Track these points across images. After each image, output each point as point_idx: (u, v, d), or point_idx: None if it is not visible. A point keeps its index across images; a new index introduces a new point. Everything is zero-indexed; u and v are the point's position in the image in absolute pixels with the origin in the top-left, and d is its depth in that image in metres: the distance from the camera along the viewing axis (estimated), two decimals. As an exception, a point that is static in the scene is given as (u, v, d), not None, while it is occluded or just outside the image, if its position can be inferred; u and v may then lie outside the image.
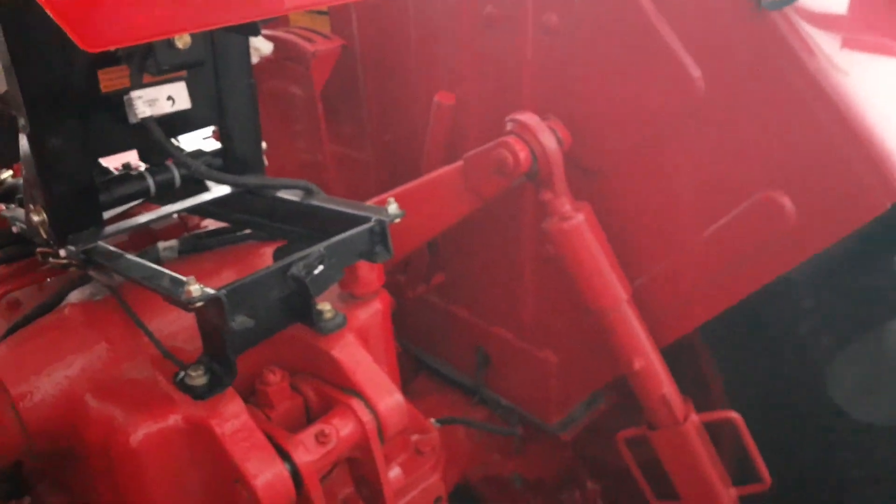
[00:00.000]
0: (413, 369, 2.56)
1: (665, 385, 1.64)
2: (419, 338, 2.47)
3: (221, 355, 1.24)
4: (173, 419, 1.21)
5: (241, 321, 1.02)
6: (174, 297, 1.02)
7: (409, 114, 2.03)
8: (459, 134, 1.71)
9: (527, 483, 2.69)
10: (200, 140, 2.02)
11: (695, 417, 1.69)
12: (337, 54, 2.05)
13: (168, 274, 1.09)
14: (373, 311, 1.50)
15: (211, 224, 1.69)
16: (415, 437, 1.72)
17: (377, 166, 2.33)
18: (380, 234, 1.21)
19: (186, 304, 0.98)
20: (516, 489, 2.78)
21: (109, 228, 1.33)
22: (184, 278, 1.05)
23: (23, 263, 1.59)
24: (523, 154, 1.46)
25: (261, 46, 2.03)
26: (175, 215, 1.71)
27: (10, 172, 2.01)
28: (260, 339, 1.33)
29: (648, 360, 1.62)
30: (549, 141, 1.47)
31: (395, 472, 1.41)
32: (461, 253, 2.14)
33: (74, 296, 1.41)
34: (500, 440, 2.45)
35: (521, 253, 1.90)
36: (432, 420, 1.84)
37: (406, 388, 2.43)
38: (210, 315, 1.01)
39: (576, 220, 1.53)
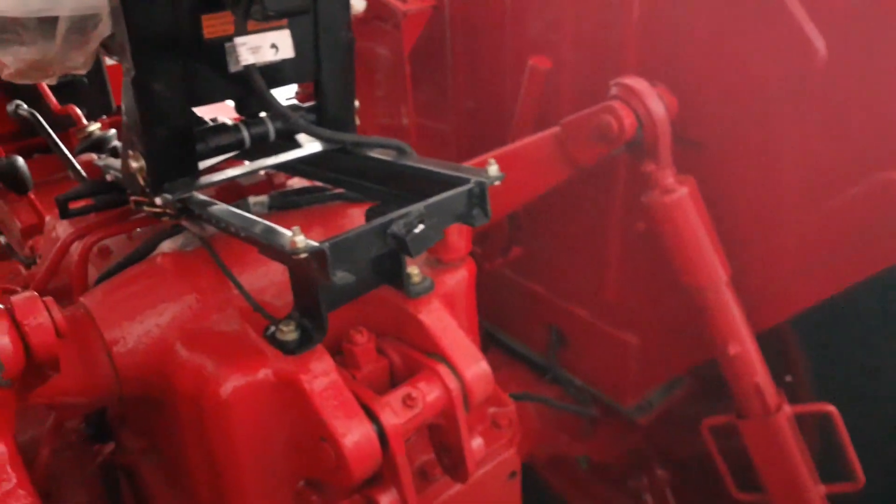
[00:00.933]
0: (483, 344, 2.53)
1: (759, 373, 1.56)
2: (491, 312, 2.42)
3: (313, 311, 1.22)
4: (263, 373, 1.20)
5: (341, 276, 1.00)
6: (277, 247, 1.00)
7: (496, 80, 1.97)
8: (553, 100, 1.65)
9: (593, 466, 2.64)
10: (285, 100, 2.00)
11: (787, 408, 1.61)
12: (428, 15, 2.01)
13: (266, 224, 1.07)
14: (459, 278, 1.46)
15: (297, 183, 1.68)
16: (492, 410, 1.68)
17: (457, 136, 2.29)
18: (479, 196, 1.17)
19: (290, 255, 0.96)
20: (582, 471, 2.74)
21: (203, 179, 1.32)
22: (285, 230, 1.02)
23: (115, 212, 1.61)
24: (628, 120, 1.39)
25: (355, 3, 1.99)
26: (262, 172, 1.70)
27: (98, 125, 2.04)
28: (350, 298, 1.32)
29: (744, 346, 1.54)
30: (657, 107, 1.40)
31: (477, 442, 1.37)
32: (542, 227, 2.08)
33: (166, 245, 1.41)
34: (568, 421, 2.40)
35: (608, 228, 1.83)
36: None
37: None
38: (311, 268, 0.99)
39: (679, 193, 1.46)
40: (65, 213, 1.54)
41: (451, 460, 1.36)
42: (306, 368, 1.20)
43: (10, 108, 1.88)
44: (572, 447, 2.44)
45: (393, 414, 1.21)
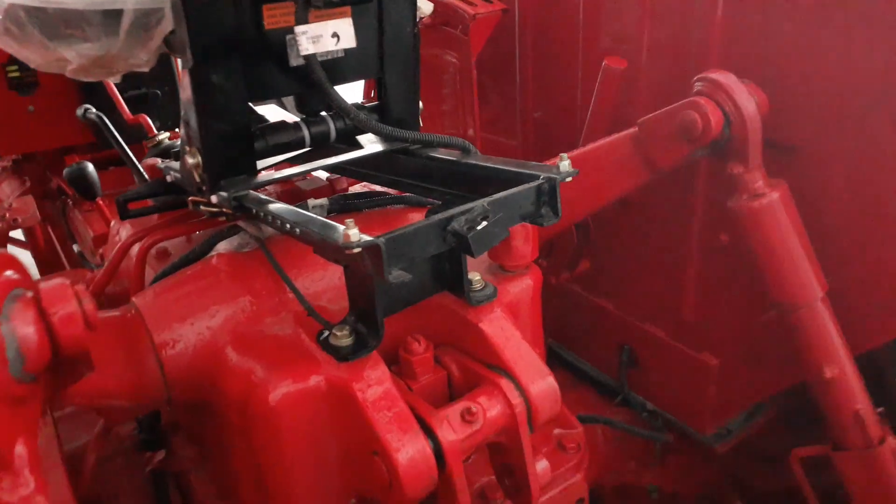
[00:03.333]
0: (548, 363, 2.41)
1: (860, 400, 1.40)
2: (557, 330, 2.31)
3: (369, 315, 1.15)
4: (315, 380, 1.13)
5: (397, 275, 0.92)
6: (330, 241, 0.93)
7: (568, 88, 1.88)
8: (629, 103, 1.55)
9: (664, 497, 2.48)
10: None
11: (892, 441, 1.44)
12: (497, 19, 1.94)
13: (321, 220, 1.01)
14: (524, 286, 1.37)
15: (360, 189, 1.62)
16: (557, 432, 1.57)
17: (525, 151, 2.20)
18: (549, 193, 1.07)
19: (343, 250, 0.89)
20: (651, 502, 2.57)
21: (260, 178, 1.27)
22: (339, 225, 0.96)
23: (174, 214, 1.58)
24: (715, 117, 1.27)
25: (422, 6, 1.95)
26: (325, 177, 1.65)
27: (168, 134, 2.05)
28: (408, 303, 1.24)
29: (843, 369, 1.38)
30: (747, 102, 1.28)
31: (542, 465, 1.27)
32: (614, 239, 1.96)
33: (222, 246, 1.37)
34: (638, 448, 2.25)
35: (687, 240, 1.71)
36: (574, 417, 1.68)
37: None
38: (365, 265, 0.91)
39: (769, 198, 1.33)
40: (124, 214, 1.52)
41: (514, 483, 1.26)
42: (360, 376, 1.12)
43: (80, 111, 1.90)
44: (641, 475, 2.29)
45: (451, 430, 1.12)
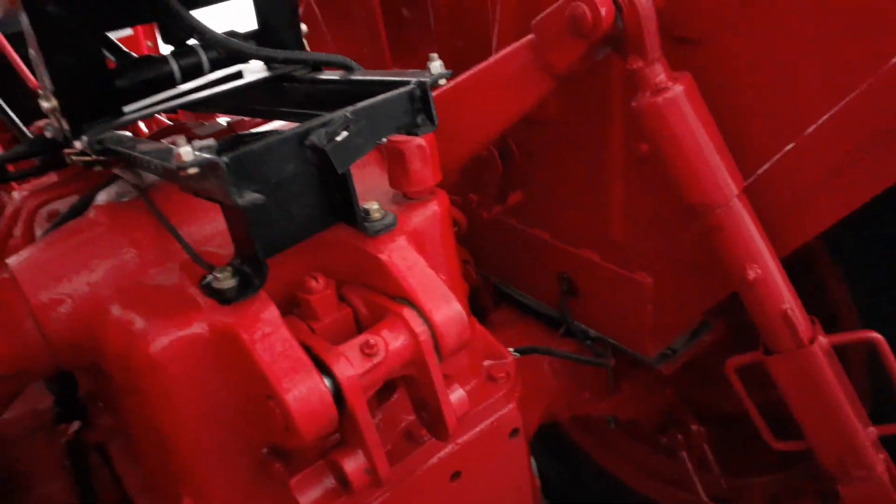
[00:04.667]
0: (493, 301, 2.36)
1: (786, 299, 1.36)
2: (498, 266, 2.25)
3: (251, 254, 1.07)
4: (198, 326, 1.06)
5: (249, 198, 0.84)
6: (165, 165, 0.85)
7: (481, 7, 1.77)
8: (534, 9, 1.44)
9: (622, 425, 2.46)
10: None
11: (823, 339, 1.40)
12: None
13: (167, 146, 0.92)
14: (429, 213, 1.29)
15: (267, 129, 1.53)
16: (487, 363, 1.52)
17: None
18: (421, 99, 0.99)
19: (177, 171, 0.81)
20: (610, 431, 2.56)
21: (124, 118, 1.17)
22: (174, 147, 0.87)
23: (64, 173, 1.49)
24: (605, 7, 1.19)
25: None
26: (225, 122, 1.56)
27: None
28: (297, 240, 1.16)
29: (766, 268, 1.33)
30: (636, -11, 1.19)
31: (458, 394, 1.21)
32: (539, 165, 1.89)
33: (101, 197, 1.28)
34: (590, 378, 2.22)
35: (608, 155, 1.64)
36: (510, 350, 1.63)
37: (485, 321, 2.24)
38: (212, 188, 0.83)
39: (672, 91, 1.25)
40: (4, 177, 1.42)
41: (430, 416, 1.20)
42: (245, 319, 1.05)
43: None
44: (596, 406, 2.26)
45: (348, 365, 1.05)
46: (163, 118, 2.21)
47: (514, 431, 1.48)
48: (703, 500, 2.22)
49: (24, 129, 1.55)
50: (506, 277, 2.25)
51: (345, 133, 0.88)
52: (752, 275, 1.32)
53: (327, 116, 0.90)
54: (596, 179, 1.72)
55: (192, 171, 0.81)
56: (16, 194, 1.56)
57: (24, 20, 1.06)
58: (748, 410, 1.61)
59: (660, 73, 1.24)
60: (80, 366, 1.22)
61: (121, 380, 1.10)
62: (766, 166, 1.37)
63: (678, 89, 1.25)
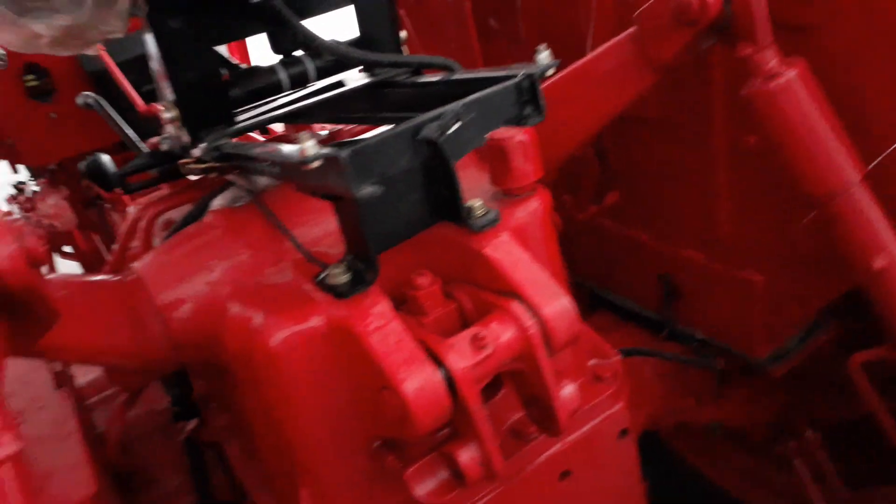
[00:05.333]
0: (590, 306, 2.32)
1: (917, 289, 1.27)
2: (594, 271, 2.21)
3: (363, 250, 1.10)
4: (314, 320, 1.09)
5: (368, 190, 0.86)
6: (287, 160, 0.88)
7: (575, 14, 1.76)
8: (632, 8, 1.42)
9: (729, 433, 2.37)
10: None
11: (959, 332, 1.30)
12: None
13: (287, 147, 0.96)
14: (532, 209, 1.28)
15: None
16: (593, 363, 1.49)
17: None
18: (529, 90, 0.99)
19: (300, 165, 0.84)
20: (716, 439, 2.46)
21: (238, 127, 1.23)
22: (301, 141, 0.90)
23: (175, 185, 1.57)
24: (711, -6, 1.16)
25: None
26: (327, 131, 1.61)
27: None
28: (406, 236, 1.18)
29: (892, 257, 1.25)
30: (746, -26, 1.16)
31: (569, 390, 1.19)
32: (637, 163, 1.86)
33: (216, 203, 1.34)
34: (696, 383, 2.15)
35: (712, 149, 1.59)
36: (613, 351, 1.60)
37: (582, 326, 2.20)
38: (332, 182, 0.86)
39: (786, 77, 1.20)
40: (126, 189, 1.51)
41: (540, 412, 1.19)
42: (360, 312, 1.07)
43: (79, 100, 1.90)
44: (702, 413, 2.18)
45: (460, 357, 1.06)
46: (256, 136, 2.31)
47: (624, 432, 1.44)
48: (823, 511, 2.10)
49: (141, 144, 1.65)
50: (602, 281, 2.21)
51: (456, 125, 0.89)
52: (877, 264, 1.25)
53: (438, 111, 0.92)
54: (699, 176, 1.67)
55: (315, 164, 0.83)
56: (131, 208, 1.66)
57: (149, 38, 1.13)
58: (871, 411, 1.52)
59: (772, 59, 1.20)
60: (200, 363, 1.27)
61: (241, 374, 1.15)
62: (888, 151, 1.30)
63: (791, 74, 1.20)
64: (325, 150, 0.84)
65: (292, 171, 0.93)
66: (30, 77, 2.70)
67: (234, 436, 1.51)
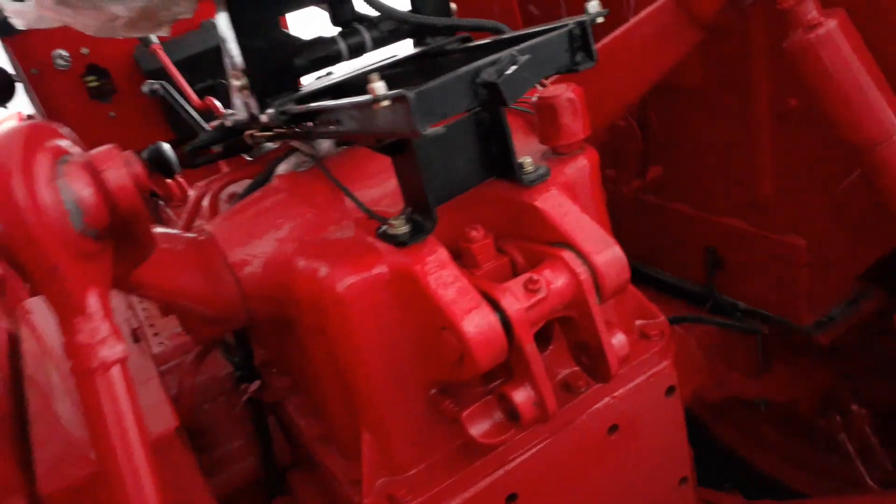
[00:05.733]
0: (631, 282, 2.35)
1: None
2: (635, 246, 2.24)
3: (422, 202, 1.17)
4: (378, 268, 1.16)
5: (431, 130, 0.93)
6: (360, 102, 0.95)
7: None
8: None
9: (774, 409, 2.37)
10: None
11: None
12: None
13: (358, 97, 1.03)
14: (579, 167, 1.34)
15: None
16: (639, 322, 1.54)
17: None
18: (580, 37, 1.05)
19: (370, 105, 0.90)
20: (760, 415, 2.46)
21: (303, 91, 1.31)
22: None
23: (233, 162, 1.66)
24: (751, -54, 1.20)
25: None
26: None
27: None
28: (460, 190, 1.25)
29: (938, 207, 1.28)
30: (783, -76, 1.20)
31: (619, 338, 1.23)
32: (680, 136, 1.90)
33: (281, 168, 1.42)
34: (741, 358, 2.17)
35: (754, 115, 1.62)
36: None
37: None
38: (399, 121, 0.93)
39: (826, 27, 1.24)
40: (192, 164, 1.60)
41: (590, 360, 1.24)
42: (420, 259, 1.14)
43: (145, 88, 2.01)
44: (748, 387, 2.20)
45: (515, 299, 1.11)
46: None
47: (671, 389, 1.48)
48: (869, 484, 2.09)
49: (204, 124, 1.74)
50: (644, 257, 2.25)
51: (513, 68, 0.95)
52: (921, 214, 1.27)
53: (495, 56, 0.98)
54: (741, 143, 1.71)
55: (385, 103, 0.90)
56: (192, 191, 1.75)
57: (221, 13, 1.22)
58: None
59: (811, 10, 1.24)
60: (268, 317, 1.35)
61: (309, 323, 1.22)
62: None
63: (832, 24, 1.24)
64: (394, 92, 0.91)
65: (361, 117, 1.00)
66: (91, 78, 2.84)
67: (295, 395, 1.59)
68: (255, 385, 1.60)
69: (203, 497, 1.20)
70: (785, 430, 2.47)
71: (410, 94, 0.90)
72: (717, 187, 1.85)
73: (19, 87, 2.74)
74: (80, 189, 0.78)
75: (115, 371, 0.79)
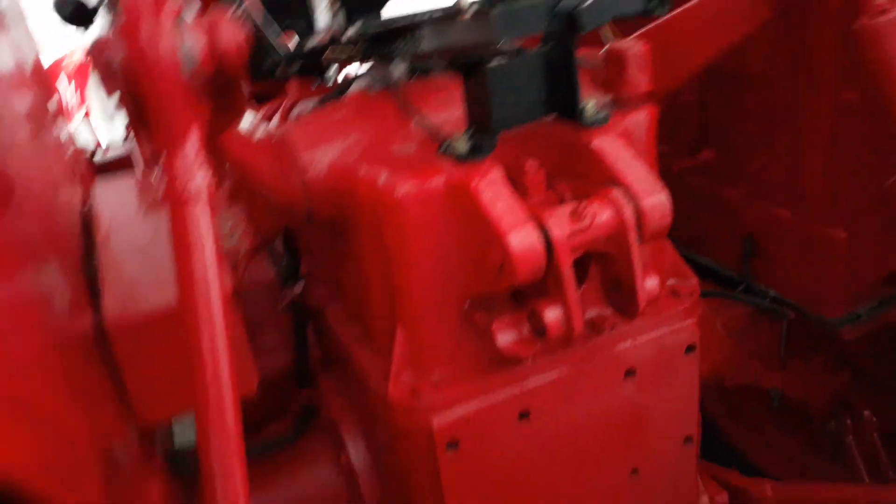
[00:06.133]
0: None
1: None
2: (675, 227, 2.30)
3: (485, 120, 1.24)
4: (436, 180, 1.25)
5: (508, 44, 1.01)
6: (446, 14, 1.03)
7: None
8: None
9: (784, 407, 2.40)
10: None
11: None
12: None
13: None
14: (639, 119, 1.41)
15: None
16: (671, 282, 1.60)
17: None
18: (657, -17, 1.12)
19: (456, 14, 0.99)
20: (769, 413, 2.51)
21: (387, 15, 1.39)
22: None
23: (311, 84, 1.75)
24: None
25: None
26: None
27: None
28: (522, 120, 1.32)
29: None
30: None
31: (652, 281, 1.30)
32: (736, 122, 1.94)
33: (353, 88, 1.51)
34: (762, 347, 2.21)
35: (813, 107, 1.66)
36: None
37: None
38: (479, 34, 1.01)
39: (895, 13, 1.28)
40: (272, 75, 1.69)
41: (621, 296, 1.31)
42: (477, 174, 1.22)
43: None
44: (766, 377, 2.24)
45: (559, 224, 1.19)
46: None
47: (691, 348, 1.55)
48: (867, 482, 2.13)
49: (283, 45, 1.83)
50: (682, 238, 2.29)
51: (590, 0, 1.02)
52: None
53: (575, -11, 1.05)
54: (798, 132, 1.75)
55: (470, 14, 0.98)
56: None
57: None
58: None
59: (881, -6, 1.28)
60: (326, 217, 1.44)
61: (366, 224, 1.31)
62: None
63: (901, 10, 1.28)
64: (478, 2, 0.99)
65: (444, 32, 1.09)
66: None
67: (336, 301, 1.69)
68: (300, 286, 1.71)
69: (248, 360, 1.31)
70: (792, 432, 2.51)
71: (495, 10, 0.98)
72: (765, 174, 1.90)
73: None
74: (196, 41, 0.88)
75: (203, 204, 0.89)
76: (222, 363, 0.90)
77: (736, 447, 2.62)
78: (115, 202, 1.71)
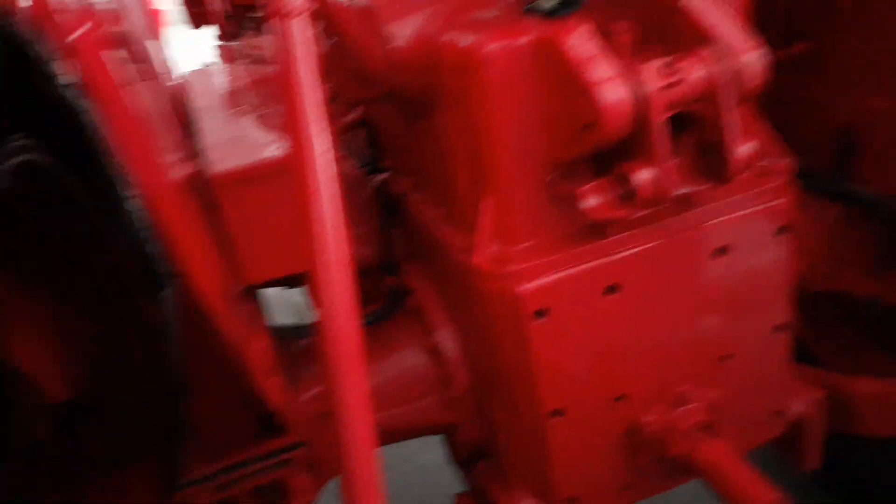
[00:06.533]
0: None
1: None
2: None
3: (572, -17, 1.21)
4: (523, 38, 1.22)
5: None
6: None
7: None
8: None
9: (888, 313, 2.28)
10: None
11: None
12: None
13: None
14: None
15: None
16: (763, 162, 1.54)
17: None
18: None
19: None
20: (865, 319, 2.39)
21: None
22: None
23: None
24: None
25: None
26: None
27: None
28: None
29: None
30: None
31: (748, 144, 1.25)
32: (828, 13, 1.83)
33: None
34: (856, 254, 2.11)
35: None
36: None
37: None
38: None
39: None
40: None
41: (714, 160, 1.27)
42: (565, 29, 1.19)
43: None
44: (861, 283, 2.14)
45: (651, 78, 1.16)
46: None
47: (783, 229, 1.49)
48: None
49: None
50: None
51: None
52: None
53: None
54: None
55: None
56: None
57: None
58: None
59: None
60: (409, 89, 1.44)
61: (451, 87, 1.30)
62: None
63: None
64: None
65: None
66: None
67: (418, 190, 1.70)
68: (383, 176, 1.73)
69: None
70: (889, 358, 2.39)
71: None
72: (865, 63, 1.79)
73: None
74: None
75: (304, 18, 0.91)
76: (334, 193, 0.94)
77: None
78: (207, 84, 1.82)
